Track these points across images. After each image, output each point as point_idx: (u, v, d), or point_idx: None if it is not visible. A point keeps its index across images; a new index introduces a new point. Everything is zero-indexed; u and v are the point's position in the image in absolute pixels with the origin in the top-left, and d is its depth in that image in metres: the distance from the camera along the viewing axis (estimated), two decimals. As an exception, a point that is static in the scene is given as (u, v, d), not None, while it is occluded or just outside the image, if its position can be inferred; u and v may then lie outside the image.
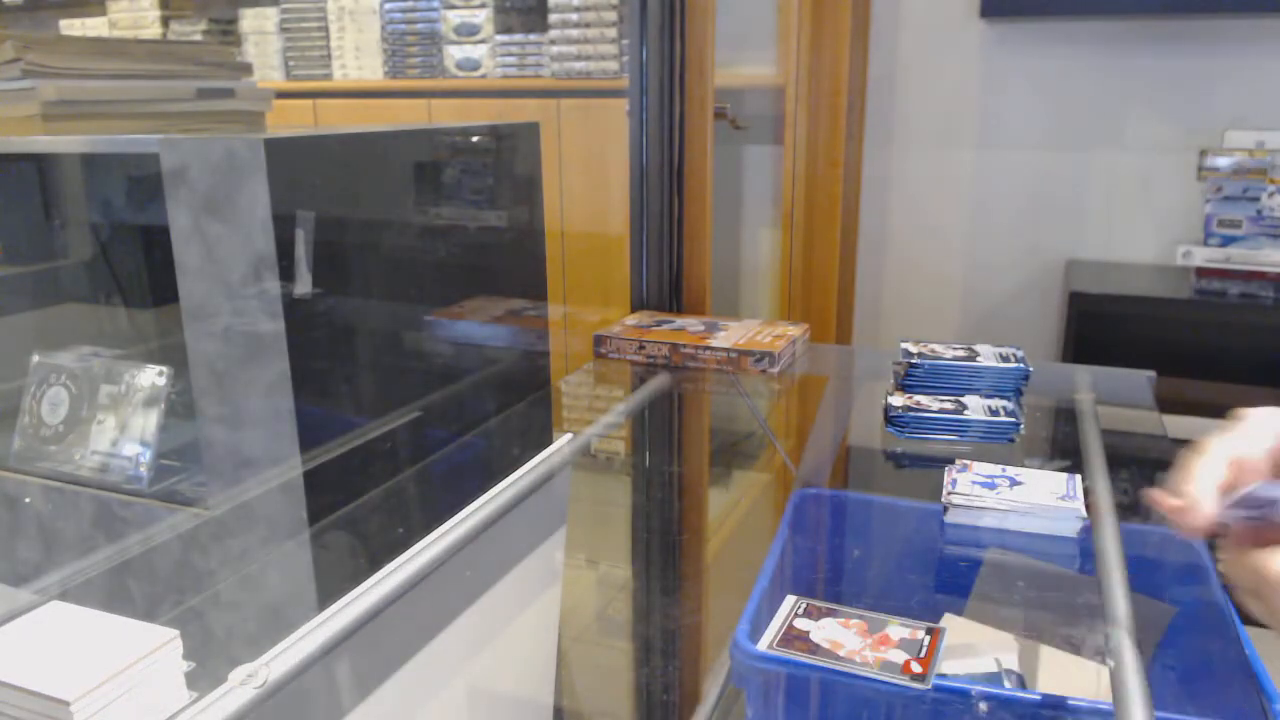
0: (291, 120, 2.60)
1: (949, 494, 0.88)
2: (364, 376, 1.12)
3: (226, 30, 2.81)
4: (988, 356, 1.19)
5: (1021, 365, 1.17)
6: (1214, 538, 0.50)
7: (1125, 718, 0.55)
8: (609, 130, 2.23)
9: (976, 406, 1.10)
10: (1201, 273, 2.03)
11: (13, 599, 0.67)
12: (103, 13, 2.93)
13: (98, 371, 1.21)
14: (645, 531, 1.19)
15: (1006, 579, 0.84)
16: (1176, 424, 1.95)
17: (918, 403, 1.11)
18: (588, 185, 2.27)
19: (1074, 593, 0.81)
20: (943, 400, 1.12)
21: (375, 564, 0.69)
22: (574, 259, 2.29)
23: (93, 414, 1.19)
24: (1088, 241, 2.29)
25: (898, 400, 1.12)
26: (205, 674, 0.59)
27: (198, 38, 2.81)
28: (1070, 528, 0.85)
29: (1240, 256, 1.99)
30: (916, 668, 0.61)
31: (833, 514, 0.91)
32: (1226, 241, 2.01)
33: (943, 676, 0.61)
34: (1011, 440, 1.07)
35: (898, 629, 0.65)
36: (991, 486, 0.89)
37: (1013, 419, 1.07)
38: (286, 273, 0.98)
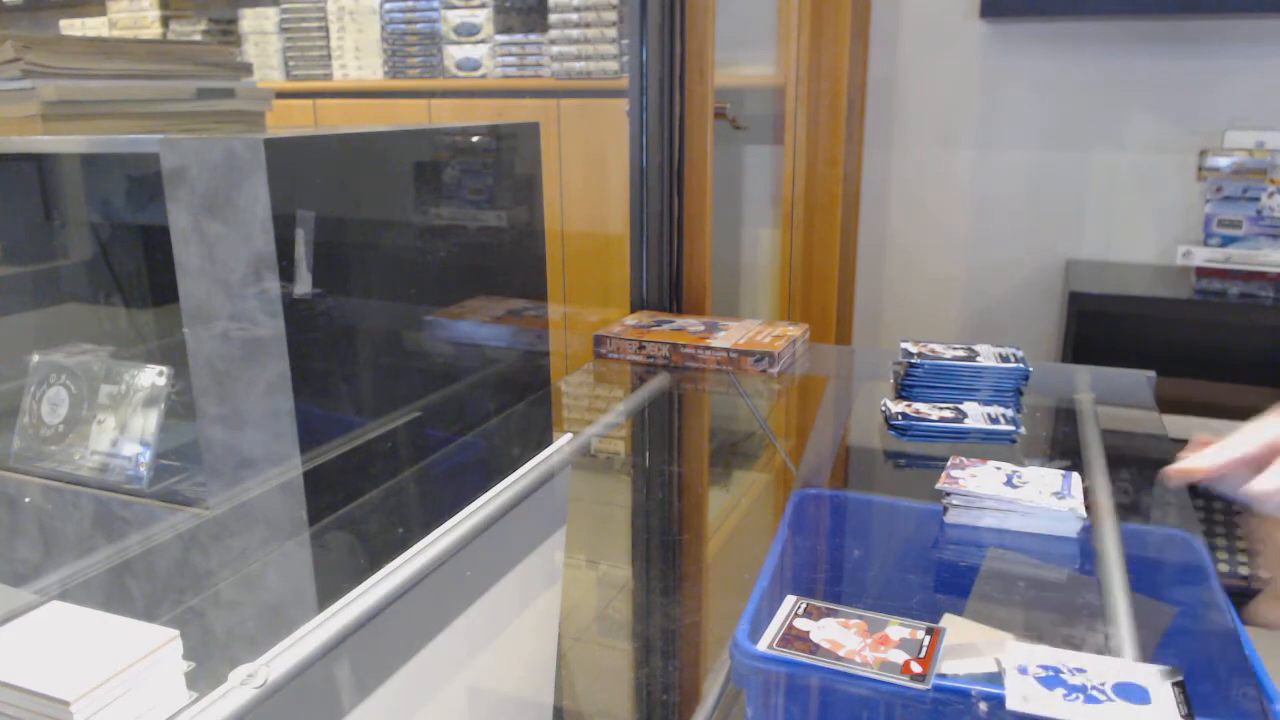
0: (291, 120, 2.60)
1: (947, 495, 0.88)
2: (364, 376, 1.11)
3: (226, 30, 2.81)
4: (988, 356, 1.19)
5: (1021, 365, 1.17)
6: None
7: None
8: (609, 130, 2.23)
9: (976, 414, 1.10)
10: (1201, 273, 2.03)
11: (13, 599, 0.67)
12: (103, 13, 2.93)
13: (98, 371, 1.21)
14: (645, 531, 1.19)
15: (1006, 579, 0.84)
16: (1176, 424, 1.95)
17: (917, 410, 1.11)
18: (588, 185, 2.27)
19: (1074, 593, 0.81)
20: (942, 409, 1.11)
21: (375, 564, 0.69)
22: (574, 259, 2.28)
23: (93, 414, 1.19)
24: (1087, 241, 2.28)
25: (896, 407, 1.12)
26: (205, 674, 0.59)
27: (198, 38, 2.81)
28: (1070, 528, 0.85)
29: (1240, 256, 1.99)
30: (916, 668, 0.61)
31: (833, 514, 0.91)
32: (1226, 241, 2.01)
33: (943, 676, 0.61)
34: (1012, 441, 1.07)
35: (898, 629, 0.65)
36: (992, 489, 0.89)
37: (1013, 427, 1.07)
38: (286, 273, 0.98)
